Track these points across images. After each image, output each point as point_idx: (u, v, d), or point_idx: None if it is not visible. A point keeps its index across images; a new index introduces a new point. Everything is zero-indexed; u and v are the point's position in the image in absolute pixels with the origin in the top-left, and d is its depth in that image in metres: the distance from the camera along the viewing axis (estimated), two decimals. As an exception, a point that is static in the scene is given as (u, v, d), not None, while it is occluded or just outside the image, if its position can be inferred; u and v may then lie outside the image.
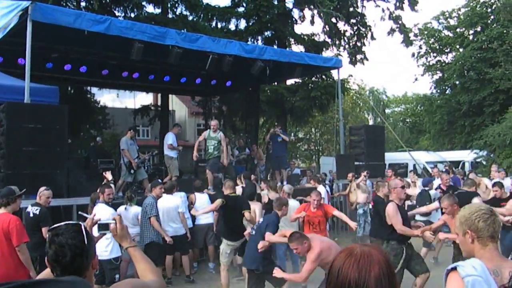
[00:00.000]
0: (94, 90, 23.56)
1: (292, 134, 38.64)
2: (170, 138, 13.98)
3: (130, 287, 2.49)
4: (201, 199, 10.89)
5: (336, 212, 9.24)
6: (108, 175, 9.12)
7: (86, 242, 2.33)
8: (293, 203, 9.78)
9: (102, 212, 7.41)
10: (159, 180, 10.97)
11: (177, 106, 35.84)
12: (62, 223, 2.40)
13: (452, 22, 37.89)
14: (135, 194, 10.35)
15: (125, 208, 9.46)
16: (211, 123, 13.46)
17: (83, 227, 2.39)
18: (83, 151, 16.71)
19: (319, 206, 8.73)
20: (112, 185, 8.93)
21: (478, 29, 34.36)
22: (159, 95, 22.95)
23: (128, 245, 2.89)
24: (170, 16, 19.40)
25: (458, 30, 36.87)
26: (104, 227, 2.96)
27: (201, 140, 13.60)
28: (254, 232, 7.67)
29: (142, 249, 8.54)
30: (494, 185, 9.93)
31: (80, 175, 11.56)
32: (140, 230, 9.32)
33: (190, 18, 20.03)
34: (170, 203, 9.95)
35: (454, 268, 2.65)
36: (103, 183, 8.83)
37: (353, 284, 1.72)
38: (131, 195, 9.78)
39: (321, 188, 12.92)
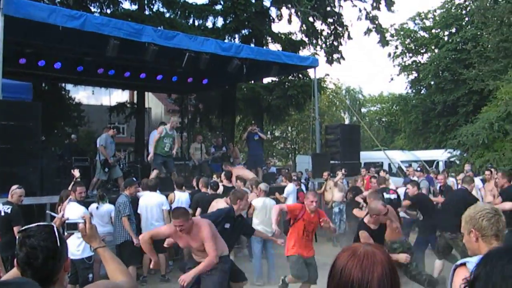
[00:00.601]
0: (69, 86, 23.29)
1: (269, 132, 38.68)
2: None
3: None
4: (181, 198, 10.78)
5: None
6: (76, 172, 8.98)
7: (58, 244, 2.28)
8: (269, 202, 9.78)
9: (74, 211, 7.30)
10: (134, 179, 10.86)
11: (153, 103, 35.60)
12: (34, 224, 2.34)
13: (428, 23, 38.29)
14: (107, 192, 10.27)
15: (97, 207, 9.33)
16: (173, 119, 13.26)
17: (55, 229, 2.34)
18: (57, 149, 16.48)
19: (315, 210, 7.52)
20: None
21: (453, 30, 34.77)
22: (135, 92, 22.79)
23: (98, 246, 2.82)
24: (147, 13, 19.30)
25: (433, 31, 37.27)
26: (72, 227, 2.88)
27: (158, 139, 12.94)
28: None
29: (116, 249, 8.51)
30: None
31: (54, 173, 11.42)
32: (113, 229, 9.23)
33: (167, 15, 19.95)
34: (154, 200, 9.86)
35: (463, 264, 2.71)
36: (74, 180, 8.72)
37: (356, 284, 1.72)
38: (103, 193, 9.69)
39: (290, 186, 12.98)
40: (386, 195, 10.07)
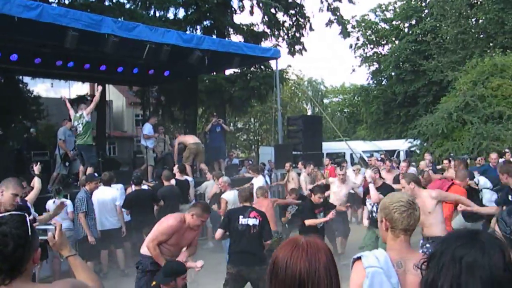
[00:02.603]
0: (27, 79, 22.92)
1: (231, 124, 38.66)
2: (145, 128, 14.45)
3: (70, 286, 2.42)
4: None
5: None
6: (36, 169, 8.71)
7: (29, 234, 2.28)
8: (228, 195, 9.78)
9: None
10: (95, 174, 10.66)
11: (114, 96, 35.28)
12: (6, 213, 2.36)
13: (389, 15, 38.79)
14: (68, 187, 10.09)
15: (53, 202, 9.17)
16: (81, 106, 12.61)
17: (27, 219, 2.34)
18: (15, 143, 16.18)
19: None
20: (38, 179, 8.52)
21: (413, 22, 35.32)
22: (96, 85, 22.46)
23: (68, 254, 2.78)
24: (106, 3, 18.98)
25: (394, 22, 37.77)
26: (41, 233, 2.80)
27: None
28: None
29: (75, 244, 8.38)
30: None
31: (12, 168, 11.20)
32: (74, 224, 9.09)
33: (128, 6, 19.70)
34: (107, 195, 9.70)
35: (359, 258, 2.73)
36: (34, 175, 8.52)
37: (304, 274, 1.74)
38: (59, 188, 9.58)
39: (260, 178, 12.94)
40: None
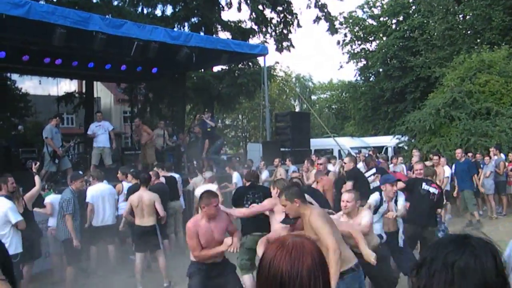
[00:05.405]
0: (15, 76, 22.83)
1: (220, 120, 38.65)
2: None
3: None
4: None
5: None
6: (34, 168, 8.69)
7: None
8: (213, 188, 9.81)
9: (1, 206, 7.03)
10: (80, 172, 10.61)
11: (102, 93, 35.14)
12: None
13: (376, 11, 38.78)
14: (56, 184, 10.13)
15: (56, 192, 9.28)
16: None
17: None
18: (3, 140, 16.11)
19: None
20: (38, 177, 8.50)
21: (401, 18, 35.37)
22: (84, 82, 22.41)
23: None
24: (94, 0, 18.93)
25: (381, 19, 37.78)
26: None
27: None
28: None
29: (60, 245, 8.34)
30: None
31: (0, 165, 11.17)
32: (56, 224, 8.80)
33: (115, 3, 19.70)
34: (105, 190, 9.58)
35: None
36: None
37: (286, 275, 1.69)
38: (52, 183, 9.66)
39: (235, 175, 12.96)
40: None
